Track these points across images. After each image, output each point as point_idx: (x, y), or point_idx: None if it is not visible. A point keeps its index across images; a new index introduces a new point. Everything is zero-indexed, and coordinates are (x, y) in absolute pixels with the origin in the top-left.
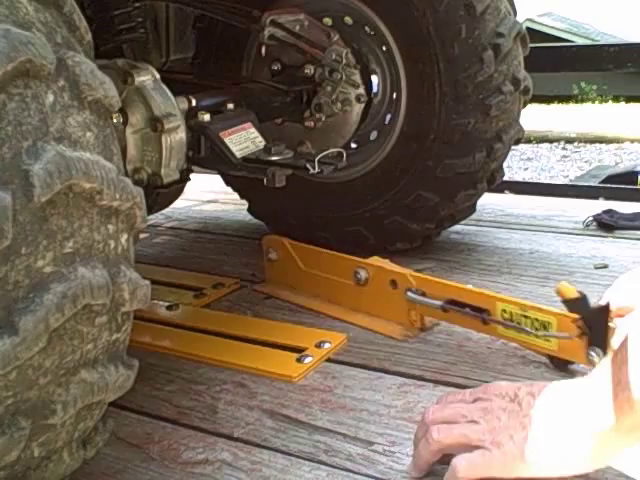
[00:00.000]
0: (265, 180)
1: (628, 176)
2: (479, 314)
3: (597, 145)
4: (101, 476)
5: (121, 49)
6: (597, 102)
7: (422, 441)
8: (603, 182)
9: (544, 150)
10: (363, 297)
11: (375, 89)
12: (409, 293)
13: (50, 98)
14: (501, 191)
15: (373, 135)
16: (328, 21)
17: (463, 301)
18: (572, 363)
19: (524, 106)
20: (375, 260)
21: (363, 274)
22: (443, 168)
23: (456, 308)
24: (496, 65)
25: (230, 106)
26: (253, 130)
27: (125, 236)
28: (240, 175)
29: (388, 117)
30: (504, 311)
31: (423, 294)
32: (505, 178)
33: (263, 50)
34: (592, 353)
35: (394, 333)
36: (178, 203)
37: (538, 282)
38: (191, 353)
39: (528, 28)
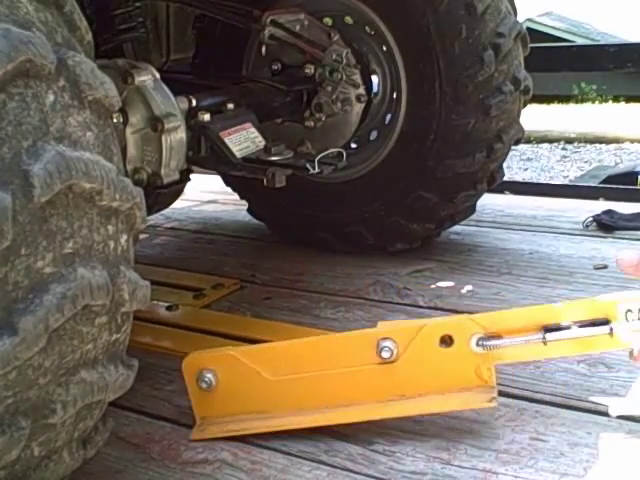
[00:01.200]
0: (265, 180)
1: (628, 176)
2: (604, 326)
3: (597, 145)
4: (101, 476)
5: (122, 49)
6: (597, 102)
7: None
8: (603, 182)
9: (544, 150)
10: (395, 377)
11: (375, 89)
12: (479, 342)
13: (50, 98)
14: (501, 191)
15: (373, 135)
16: (328, 21)
17: (565, 321)
18: None
19: (524, 106)
20: (395, 323)
21: (391, 346)
22: (443, 168)
23: (564, 333)
24: (496, 65)
25: (230, 106)
26: (253, 130)
27: (125, 237)
28: (240, 175)
29: (388, 117)
30: (629, 311)
31: (496, 336)
32: (505, 178)
33: (263, 50)
34: None
35: (475, 404)
36: (178, 204)
37: (538, 282)
38: None
39: (528, 28)
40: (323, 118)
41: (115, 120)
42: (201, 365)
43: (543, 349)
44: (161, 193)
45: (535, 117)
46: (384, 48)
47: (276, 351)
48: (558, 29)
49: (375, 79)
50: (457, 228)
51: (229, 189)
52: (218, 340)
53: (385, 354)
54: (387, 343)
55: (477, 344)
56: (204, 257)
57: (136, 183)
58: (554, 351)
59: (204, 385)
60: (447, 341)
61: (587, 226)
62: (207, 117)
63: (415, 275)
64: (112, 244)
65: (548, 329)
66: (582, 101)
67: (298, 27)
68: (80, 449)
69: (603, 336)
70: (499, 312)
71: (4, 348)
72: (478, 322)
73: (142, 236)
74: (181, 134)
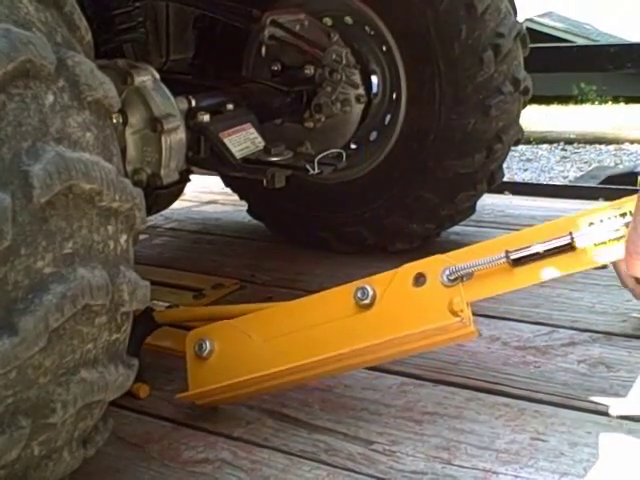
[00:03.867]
0: (265, 181)
1: (628, 177)
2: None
3: (597, 146)
4: (101, 475)
5: (121, 49)
6: (597, 102)
7: None
8: (602, 183)
9: (544, 151)
10: (375, 323)
11: (375, 89)
12: (447, 273)
13: (50, 98)
14: (501, 192)
15: (373, 135)
16: (328, 21)
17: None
18: None
19: (524, 106)
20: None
21: (369, 290)
22: (443, 168)
23: (527, 250)
24: (496, 65)
25: (230, 106)
26: (253, 131)
27: (124, 237)
28: (240, 176)
29: (388, 117)
30: (592, 224)
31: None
32: (505, 179)
33: (263, 50)
34: None
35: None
36: (177, 204)
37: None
38: None
39: (528, 28)
40: (323, 119)
41: (115, 121)
42: (201, 335)
43: (511, 277)
44: (161, 194)
45: (535, 118)
46: (384, 48)
47: (266, 316)
48: (558, 29)
49: (375, 79)
50: (457, 228)
51: (229, 189)
52: None
53: (363, 298)
54: (365, 288)
55: (446, 276)
56: (204, 257)
57: (136, 184)
58: (522, 278)
59: (201, 352)
60: (420, 280)
61: None
62: (207, 118)
63: None
64: (112, 244)
65: (512, 251)
66: (582, 101)
67: (298, 27)
68: (80, 449)
69: (569, 255)
70: (467, 248)
71: (4, 348)
72: (448, 258)
73: (142, 236)
74: (181, 135)
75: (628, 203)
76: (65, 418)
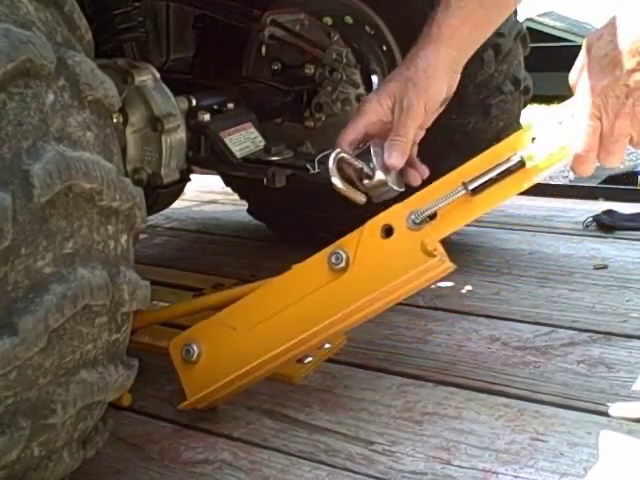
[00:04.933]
0: (265, 180)
1: (628, 177)
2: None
3: None
4: (101, 476)
5: (121, 48)
6: None
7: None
8: (603, 183)
9: None
10: (355, 284)
11: (375, 89)
12: (412, 218)
13: (50, 98)
14: None
15: None
16: (328, 20)
17: (479, 174)
18: None
19: (524, 106)
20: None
21: (341, 254)
22: (443, 168)
23: (483, 177)
24: (496, 65)
25: (230, 106)
26: (253, 130)
27: (125, 236)
28: (240, 175)
29: None
30: (534, 139)
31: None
32: None
33: (263, 50)
34: None
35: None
36: (178, 204)
37: (537, 282)
38: None
39: (528, 27)
40: (323, 118)
41: (115, 120)
42: (184, 341)
43: (472, 206)
44: (161, 193)
45: (535, 117)
46: (384, 48)
47: (245, 304)
48: (558, 29)
49: (375, 79)
50: None
51: (229, 189)
52: None
53: (338, 262)
54: (338, 253)
55: (412, 221)
56: (204, 257)
57: (136, 183)
58: (483, 204)
59: (189, 357)
60: (388, 231)
61: (587, 226)
62: (207, 117)
63: None
64: (112, 244)
65: (468, 182)
66: None
67: (298, 27)
68: (80, 449)
69: (521, 173)
70: (424, 190)
71: (4, 348)
72: (409, 204)
73: (142, 236)
74: (181, 134)
75: (565, 107)
76: (65, 419)
